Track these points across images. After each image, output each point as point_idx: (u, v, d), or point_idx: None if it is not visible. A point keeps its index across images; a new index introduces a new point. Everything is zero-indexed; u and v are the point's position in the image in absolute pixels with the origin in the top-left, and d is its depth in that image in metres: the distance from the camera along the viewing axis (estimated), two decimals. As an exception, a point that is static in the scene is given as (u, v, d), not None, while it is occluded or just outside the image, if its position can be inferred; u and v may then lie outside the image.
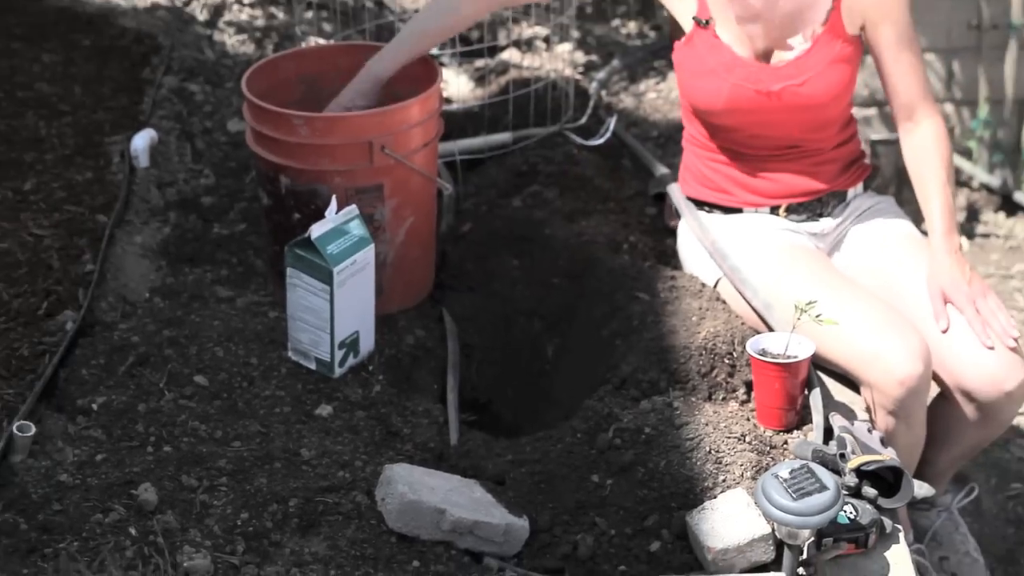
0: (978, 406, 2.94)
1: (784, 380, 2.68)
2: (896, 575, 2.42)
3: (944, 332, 2.93)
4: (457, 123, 3.83)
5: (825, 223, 3.22)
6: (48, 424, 2.61)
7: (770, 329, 2.90)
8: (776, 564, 2.38)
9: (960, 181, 5.78)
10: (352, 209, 2.88)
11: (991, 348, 2.89)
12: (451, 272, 3.39)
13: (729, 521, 2.41)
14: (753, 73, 3.05)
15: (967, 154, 5.85)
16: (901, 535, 2.49)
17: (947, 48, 5.80)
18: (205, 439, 2.64)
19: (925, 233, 3.14)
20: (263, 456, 2.59)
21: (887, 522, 2.46)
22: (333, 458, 2.61)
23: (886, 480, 2.49)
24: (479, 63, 4.48)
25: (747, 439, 2.66)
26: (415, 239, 3.17)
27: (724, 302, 3.07)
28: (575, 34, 4.82)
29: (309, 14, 4.43)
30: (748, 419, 2.74)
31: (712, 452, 2.61)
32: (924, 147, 3.08)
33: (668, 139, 4.04)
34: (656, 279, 3.14)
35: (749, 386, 2.81)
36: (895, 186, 5.05)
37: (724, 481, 2.55)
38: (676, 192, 3.37)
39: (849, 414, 2.81)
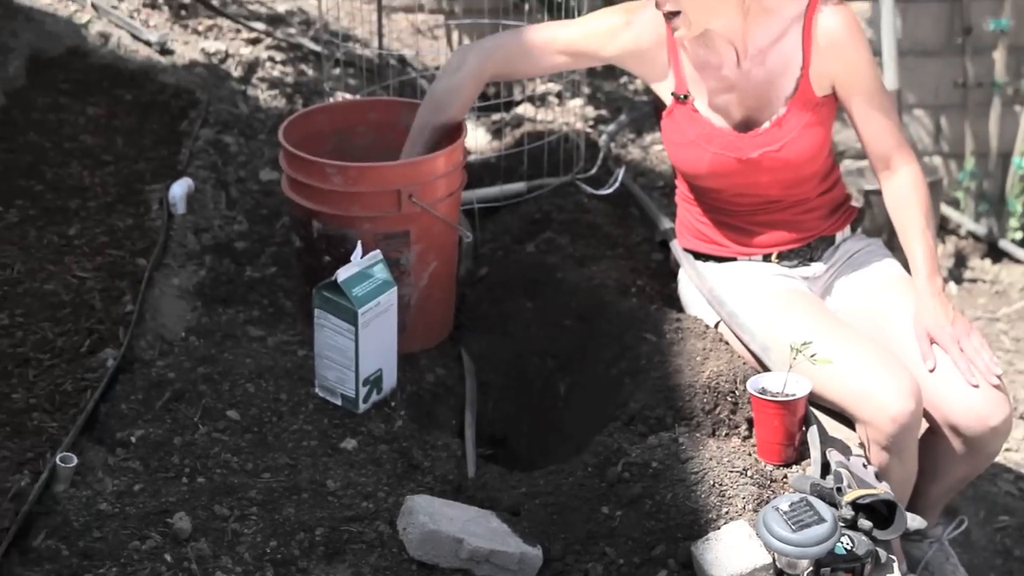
0: (965, 441, 2.92)
1: (783, 417, 2.67)
2: (890, 603, 2.41)
3: (931, 371, 2.91)
4: (475, 173, 3.83)
5: (816, 267, 3.21)
6: (89, 456, 2.61)
7: (768, 370, 2.88)
8: (777, 592, 2.37)
9: (948, 229, 5.78)
10: (376, 254, 2.88)
11: (976, 386, 2.88)
12: (469, 314, 3.38)
13: (732, 551, 2.40)
14: (732, 142, 3.05)
15: (955, 204, 5.86)
16: (895, 565, 2.47)
17: (935, 105, 5.82)
18: (237, 471, 2.63)
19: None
20: (291, 487, 2.58)
21: (882, 553, 2.44)
22: (357, 489, 2.60)
23: (880, 513, 2.48)
24: (496, 117, 4.49)
25: (749, 473, 2.64)
26: (437, 282, 3.17)
27: (727, 343, 3.06)
28: (586, 90, 4.83)
29: (336, 71, 4.44)
30: (750, 454, 2.73)
31: (716, 485, 2.60)
32: (902, 195, 3.07)
33: (673, 189, 4.03)
34: (662, 321, 3.13)
35: (750, 423, 2.79)
36: (887, 232, 5.04)
37: (727, 513, 2.54)
38: (675, 244, 3.37)
39: (845, 450, 2.81)
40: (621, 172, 3.91)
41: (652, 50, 3.09)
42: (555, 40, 3.16)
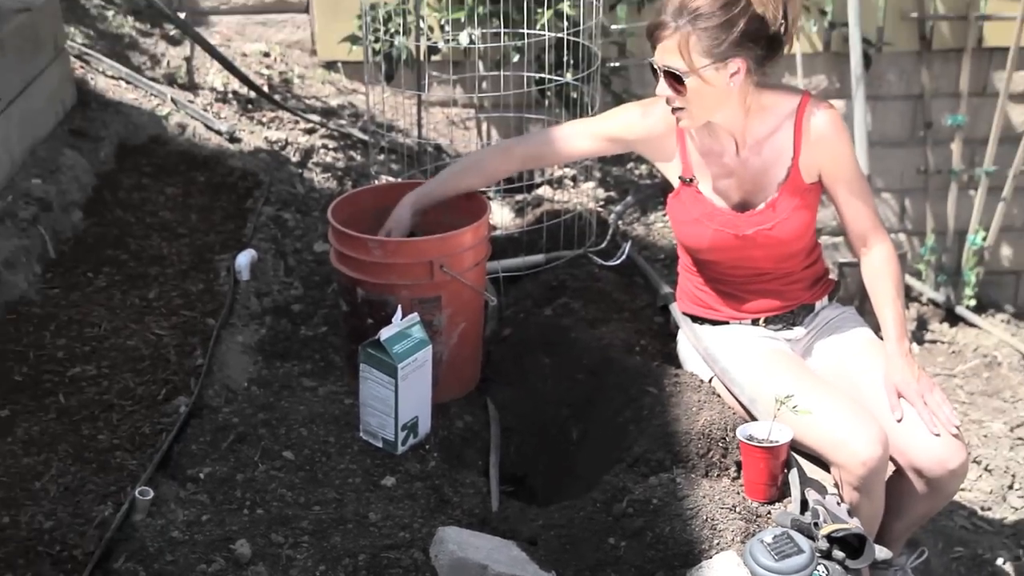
0: (927, 482, 2.92)
1: (768, 461, 2.67)
2: (861, 625, 2.39)
3: (899, 421, 2.92)
4: (500, 246, 3.84)
5: (798, 331, 3.21)
6: (164, 489, 2.62)
7: (755, 419, 2.88)
8: (761, 615, 2.36)
9: (911, 297, 5.78)
10: (414, 316, 2.89)
11: (937, 434, 2.89)
12: (494, 368, 3.39)
13: (722, 578, 2.39)
14: (730, 220, 3.06)
15: (917, 275, 5.85)
16: (865, 592, 2.46)
17: (900, 189, 5.82)
18: (291, 503, 2.64)
19: (881, 338, 3.13)
20: (338, 518, 2.58)
21: (853, 580, 2.43)
22: (395, 521, 2.60)
23: (852, 544, 2.48)
24: (519, 197, 4.51)
25: (737, 509, 2.64)
26: (466, 341, 3.18)
27: (719, 396, 3.06)
28: (597, 174, 4.85)
29: (381, 157, 4.47)
30: (738, 493, 2.72)
31: (708, 520, 2.59)
32: (877, 269, 3.09)
33: (673, 260, 4.03)
34: (663, 376, 3.13)
35: (739, 465, 2.79)
36: (859, 300, 5.04)
37: (718, 544, 2.53)
38: (674, 308, 3.37)
39: (821, 489, 2.80)
40: (627, 246, 3.92)
41: (663, 138, 3.11)
42: (582, 129, 3.23)
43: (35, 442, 2.78)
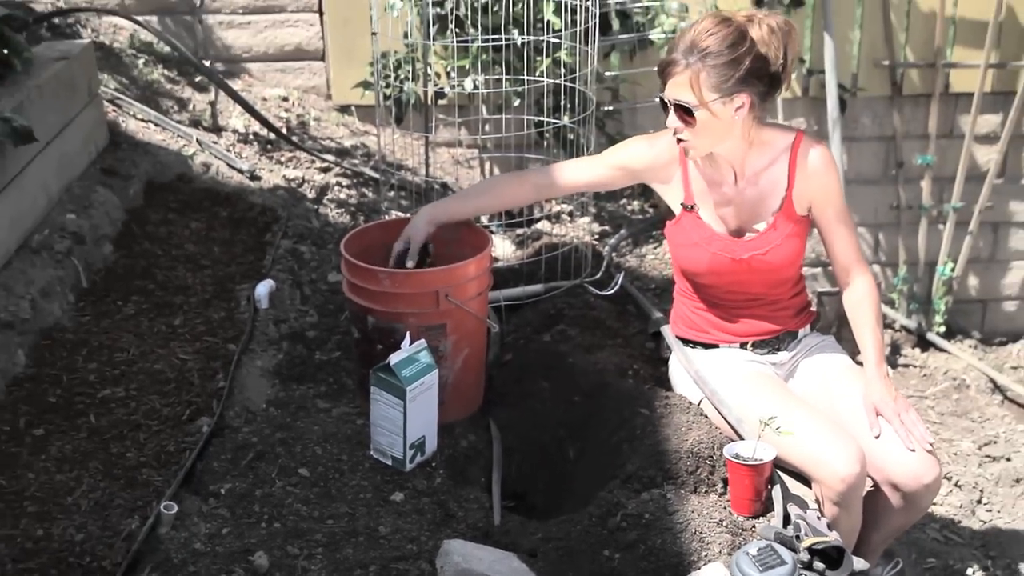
0: (903, 495, 2.92)
1: (753, 478, 2.66)
2: (841, 633, 2.37)
3: (876, 438, 2.92)
4: (502, 276, 3.84)
5: (782, 355, 3.21)
6: (187, 504, 2.60)
7: (741, 438, 2.87)
8: (747, 623, 2.34)
9: (885, 324, 5.77)
10: (421, 342, 2.88)
11: (913, 451, 2.89)
12: (496, 391, 3.37)
13: (710, 588, 2.37)
14: (728, 245, 3.07)
15: (890, 303, 5.85)
16: (844, 601, 2.44)
17: (874, 223, 5.83)
18: (306, 517, 2.62)
19: (859, 363, 3.13)
20: (350, 531, 2.57)
21: (833, 590, 2.42)
22: (404, 534, 2.58)
23: (831, 556, 2.46)
24: (519, 231, 4.51)
25: (724, 523, 2.63)
26: (469, 366, 3.16)
27: (706, 417, 3.05)
28: (592, 210, 4.85)
29: (391, 193, 4.47)
30: (724, 507, 2.71)
31: (697, 533, 2.58)
32: (859, 298, 3.10)
33: (663, 290, 4.04)
34: (654, 398, 3.12)
35: (725, 482, 2.78)
36: (836, 327, 5.03)
37: (706, 556, 2.52)
38: (667, 332, 3.37)
39: (803, 504, 2.79)
40: (621, 276, 3.91)
41: (667, 167, 3.14)
42: (593, 160, 3.27)
43: (67, 460, 2.78)
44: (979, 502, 4.53)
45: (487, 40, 4.25)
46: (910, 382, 5.40)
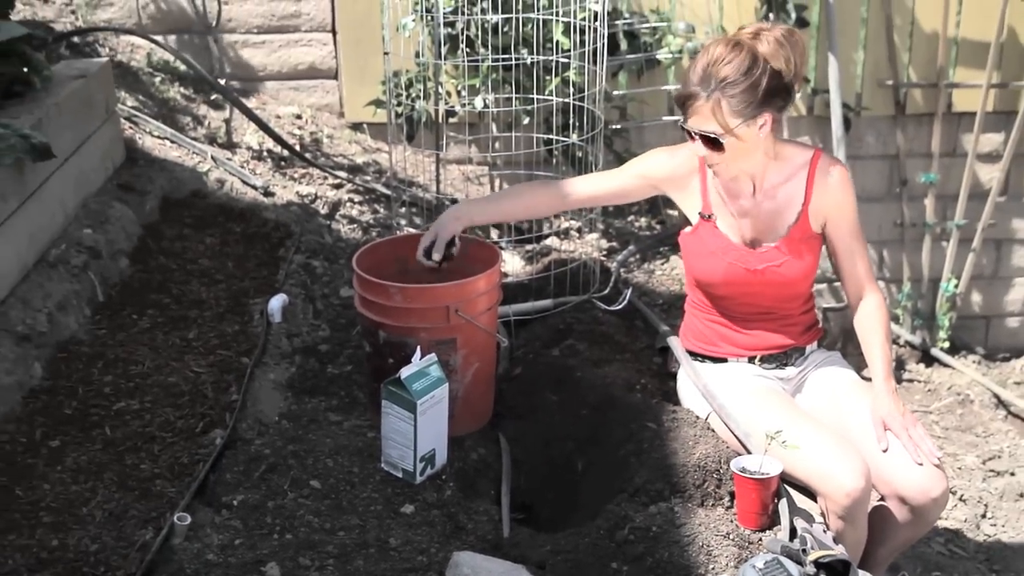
0: (910, 509, 2.89)
1: (759, 491, 2.65)
2: (847, 646, 2.35)
3: (884, 452, 2.90)
4: (511, 291, 3.84)
5: (790, 371, 3.19)
6: (200, 515, 2.60)
7: (748, 452, 2.86)
8: (754, 635, 2.32)
9: (891, 339, 5.75)
10: (432, 356, 2.87)
11: (920, 464, 2.86)
12: (505, 405, 3.36)
13: (717, 601, 2.36)
14: (743, 256, 3.06)
15: (895, 319, 5.84)
16: (850, 614, 2.42)
17: (879, 240, 5.82)
18: (317, 529, 2.61)
19: (866, 378, 3.11)
20: (361, 543, 2.56)
21: (839, 604, 2.40)
22: (414, 546, 2.57)
23: (837, 570, 2.44)
24: (528, 247, 4.50)
25: (730, 536, 2.61)
26: (479, 379, 3.15)
27: (713, 431, 3.04)
28: (600, 226, 4.84)
29: (402, 210, 4.47)
30: (731, 521, 2.69)
31: (704, 546, 2.56)
32: (869, 316, 3.09)
33: (671, 306, 4.03)
34: (661, 412, 3.11)
35: (732, 495, 2.76)
36: (841, 342, 5.02)
37: (713, 569, 2.50)
38: (676, 346, 3.35)
39: (809, 518, 2.77)
40: (628, 292, 3.91)
41: (687, 177, 3.14)
42: (615, 171, 3.27)
43: (83, 471, 2.77)
44: (983, 516, 4.51)
45: (497, 60, 4.26)
46: (914, 397, 5.38)
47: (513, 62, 4.22)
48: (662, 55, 5.14)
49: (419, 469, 2.83)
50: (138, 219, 3.99)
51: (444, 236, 3.16)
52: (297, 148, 4.95)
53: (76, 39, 4.89)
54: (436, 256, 3.14)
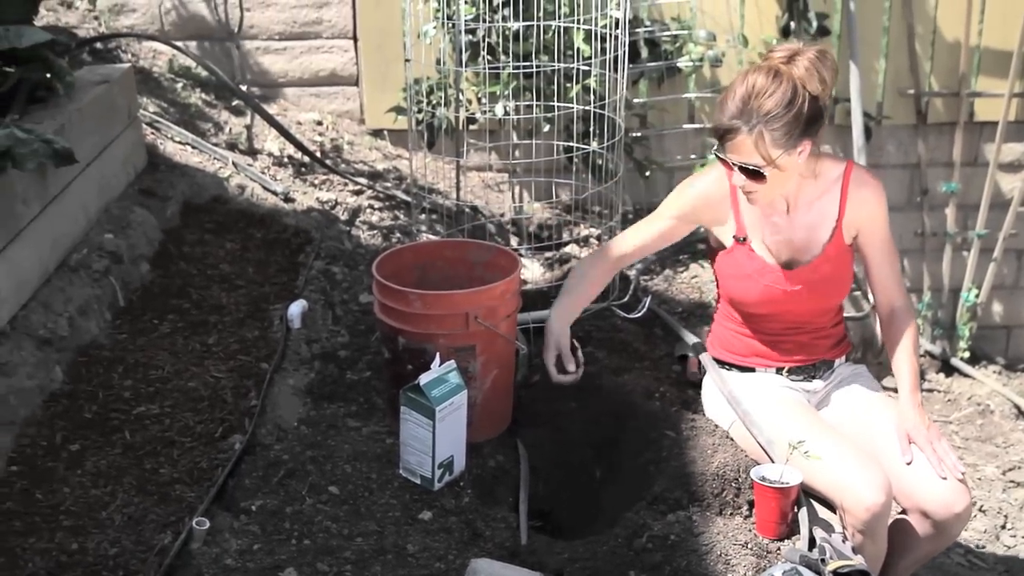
0: (933, 523, 2.87)
1: (779, 500, 2.64)
2: (866, 657, 2.34)
3: (908, 465, 2.88)
4: (531, 298, 3.83)
5: (816, 383, 3.18)
6: (218, 520, 2.60)
7: (771, 459, 2.85)
8: (772, 645, 2.31)
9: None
10: (451, 363, 2.87)
11: (944, 479, 2.85)
12: (524, 412, 3.35)
13: (736, 610, 2.34)
14: (779, 277, 3.04)
15: (915, 329, 5.80)
16: (870, 625, 2.40)
17: (899, 250, 5.73)
18: (335, 535, 2.61)
19: (889, 388, 3.10)
20: (379, 549, 2.56)
21: (858, 614, 2.38)
22: (432, 552, 2.57)
23: (857, 581, 2.43)
24: (548, 255, 4.50)
25: (749, 546, 2.60)
26: (498, 386, 3.15)
27: (732, 440, 3.03)
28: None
29: (422, 216, 4.47)
30: (750, 530, 2.68)
31: (722, 555, 2.55)
32: (898, 327, 3.08)
33: (690, 314, 4.02)
34: (680, 420, 3.10)
35: (751, 504, 2.75)
36: (860, 352, 5.01)
37: (732, 578, 2.49)
38: (704, 355, 3.34)
39: (828, 528, 2.76)
40: (648, 300, 3.89)
41: (719, 203, 3.09)
42: (651, 218, 3.20)
43: (102, 475, 2.78)
44: (1003, 527, 4.48)
45: (518, 67, 4.26)
46: (934, 407, 5.36)
47: (534, 69, 4.22)
48: (683, 63, 5.13)
49: (437, 475, 2.83)
50: (159, 224, 4.00)
51: (566, 344, 3.17)
52: (318, 154, 4.96)
53: (99, 45, 4.91)
54: (572, 368, 3.17)
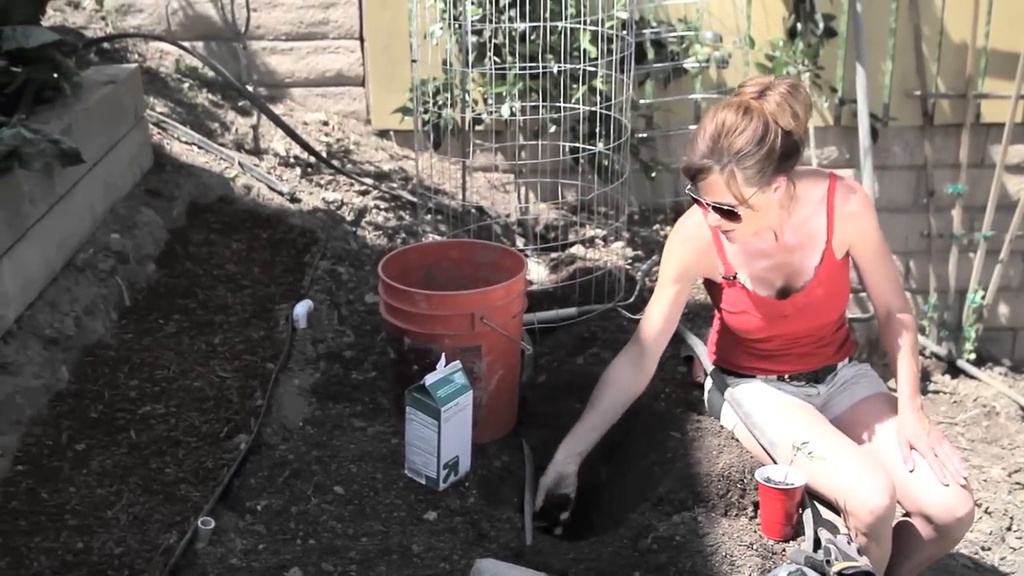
0: (936, 528, 2.86)
1: (784, 502, 2.63)
2: (871, 659, 2.33)
3: (911, 472, 2.87)
4: (536, 299, 3.83)
5: (820, 388, 3.15)
6: (224, 520, 2.60)
7: (773, 461, 2.84)
8: (777, 647, 2.31)
9: (918, 352, 5.72)
10: (456, 364, 2.87)
11: (947, 485, 2.83)
12: (529, 412, 3.35)
13: (741, 612, 2.34)
14: (775, 307, 2.99)
15: (920, 330, 5.80)
16: (875, 627, 2.40)
17: (905, 251, 5.78)
18: (340, 535, 2.61)
19: (893, 390, 3.08)
20: (384, 550, 2.56)
21: (863, 615, 2.38)
22: (437, 553, 2.57)
23: (862, 582, 2.43)
24: (554, 255, 4.50)
25: (754, 547, 2.60)
26: (503, 387, 3.15)
27: (737, 440, 3.02)
28: (625, 235, 4.83)
29: (428, 217, 4.47)
30: (755, 531, 2.68)
31: (727, 556, 2.55)
32: (897, 333, 3.02)
33: (695, 315, 4.01)
34: (686, 422, 3.10)
35: (756, 505, 2.75)
36: (866, 353, 5.00)
37: (736, 580, 2.49)
38: (703, 355, 3.33)
39: (833, 529, 2.75)
40: (653, 301, 3.89)
41: (706, 251, 3.00)
42: (658, 295, 3.07)
43: (108, 474, 2.78)
44: (1009, 529, 4.47)
45: (524, 68, 4.26)
46: (940, 408, 5.35)
47: (540, 70, 4.22)
48: (689, 64, 5.13)
49: (442, 476, 2.83)
50: (165, 224, 4.00)
51: (568, 485, 2.99)
52: (324, 155, 4.96)
53: (106, 45, 4.92)
54: (564, 516, 2.97)
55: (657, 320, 3.06)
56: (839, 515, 2.84)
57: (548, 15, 4.09)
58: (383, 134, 5.41)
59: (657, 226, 5.21)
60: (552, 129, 4.59)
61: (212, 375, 3.25)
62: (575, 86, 4.35)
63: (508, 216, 4.92)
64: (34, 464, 2.79)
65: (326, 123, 5.31)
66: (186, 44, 4.97)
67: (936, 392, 5.55)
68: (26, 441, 2.86)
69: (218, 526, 2.55)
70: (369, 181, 4.94)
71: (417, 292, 3.02)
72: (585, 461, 3.16)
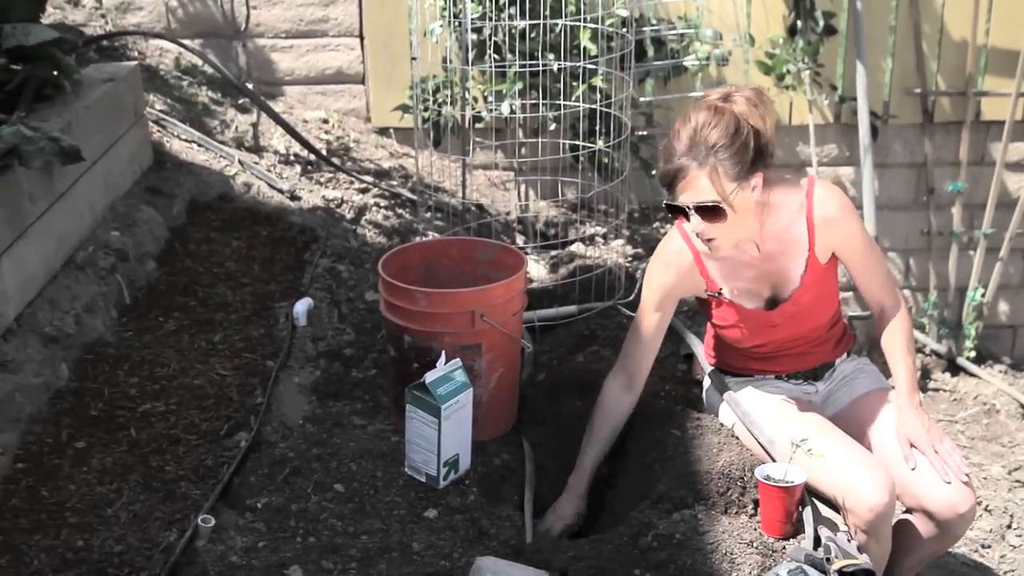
0: (937, 524, 2.86)
1: (784, 499, 2.63)
2: (871, 656, 2.33)
3: (912, 470, 2.87)
4: (536, 297, 3.83)
5: (818, 386, 3.15)
6: (224, 518, 2.60)
7: (773, 460, 2.84)
8: (777, 644, 2.31)
9: (915, 349, 5.71)
10: (456, 361, 2.87)
11: (948, 482, 2.83)
12: (529, 410, 3.35)
13: (741, 609, 2.34)
14: (763, 318, 3.00)
15: (920, 328, 5.80)
16: (875, 624, 2.40)
17: (905, 249, 5.79)
18: (340, 533, 2.61)
19: (893, 387, 3.08)
20: (384, 547, 2.56)
21: (863, 613, 2.38)
22: (437, 550, 2.57)
23: (862, 579, 2.43)
24: (554, 253, 4.50)
25: (754, 544, 2.60)
26: (503, 385, 3.15)
27: (737, 438, 3.02)
28: (625, 233, 4.83)
29: (428, 214, 4.47)
30: (755, 529, 2.68)
31: (727, 554, 2.55)
32: (891, 330, 3.02)
33: (696, 312, 4.01)
34: (686, 419, 3.10)
35: (756, 503, 2.75)
36: (867, 350, 5.00)
37: (736, 577, 2.49)
38: (701, 354, 3.33)
39: (833, 527, 2.75)
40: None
41: (689, 271, 3.00)
42: (641, 314, 3.08)
43: (108, 472, 2.78)
44: (1009, 527, 4.47)
45: (524, 65, 4.25)
46: (940, 406, 5.35)
47: (540, 68, 4.21)
48: (689, 62, 5.13)
49: (443, 474, 2.83)
50: (165, 222, 4.00)
51: (572, 520, 3.03)
52: (324, 152, 4.96)
53: (106, 43, 4.92)
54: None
55: (644, 343, 3.09)
56: (839, 513, 2.84)
57: (548, 13, 4.09)
58: (383, 132, 5.41)
59: (657, 224, 5.21)
60: (552, 127, 4.58)
61: (212, 373, 3.25)
62: (575, 84, 4.35)
63: (508, 214, 4.92)
64: (34, 462, 2.79)
65: (326, 121, 5.31)
66: (186, 42, 4.97)
67: (936, 390, 5.55)
68: (26, 439, 2.86)
69: (218, 524, 2.55)
70: (369, 179, 4.93)
71: (417, 290, 3.02)
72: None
